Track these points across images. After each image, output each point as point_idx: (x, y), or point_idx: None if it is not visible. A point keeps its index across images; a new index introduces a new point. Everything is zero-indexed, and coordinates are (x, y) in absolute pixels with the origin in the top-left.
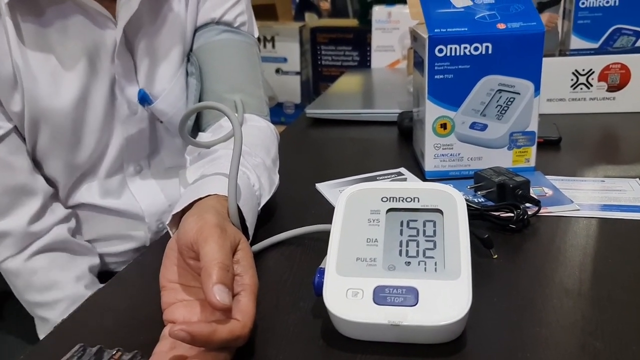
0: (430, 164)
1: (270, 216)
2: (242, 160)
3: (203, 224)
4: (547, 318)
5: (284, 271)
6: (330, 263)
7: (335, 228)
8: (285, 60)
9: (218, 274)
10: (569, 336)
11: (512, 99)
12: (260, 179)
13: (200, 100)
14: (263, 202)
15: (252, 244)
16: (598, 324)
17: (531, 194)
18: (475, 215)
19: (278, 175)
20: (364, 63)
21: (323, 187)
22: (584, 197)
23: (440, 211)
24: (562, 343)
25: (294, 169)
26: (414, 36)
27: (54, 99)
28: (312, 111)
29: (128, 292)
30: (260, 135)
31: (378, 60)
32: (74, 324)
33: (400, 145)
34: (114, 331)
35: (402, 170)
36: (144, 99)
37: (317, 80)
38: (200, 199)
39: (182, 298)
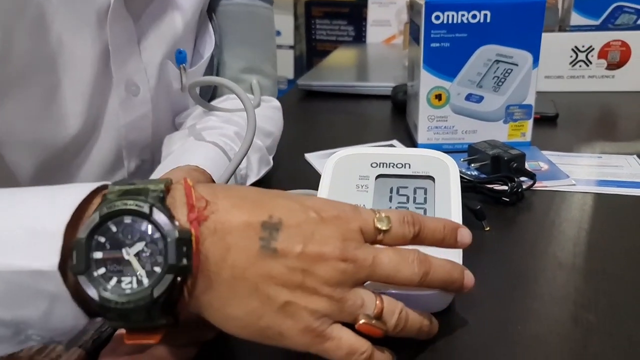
0: (423, 137)
1: (254, 185)
2: (234, 138)
3: None
4: (539, 291)
5: None
6: None
7: (322, 193)
8: (278, 33)
9: None
10: (561, 309)
11: (509, 70)
12: (250, 158)
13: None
14: (249, 182)
15: None
16: (591, 297)
17: (526, 168)
18: (468, 187)
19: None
20: (360, 38)
21: (312, 157)
22: (580, 172)
23: (431, 178)
24: (554, 316)
25: (284, 141)
26: (411, 4)
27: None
28: (304, 83)
29: None
30: (270, 119)
31: (374, 35)
32: None
33: (393, 119)
34: None
35: (394, 142)
36: (182, 60)
37: (311, 56)
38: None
39: None
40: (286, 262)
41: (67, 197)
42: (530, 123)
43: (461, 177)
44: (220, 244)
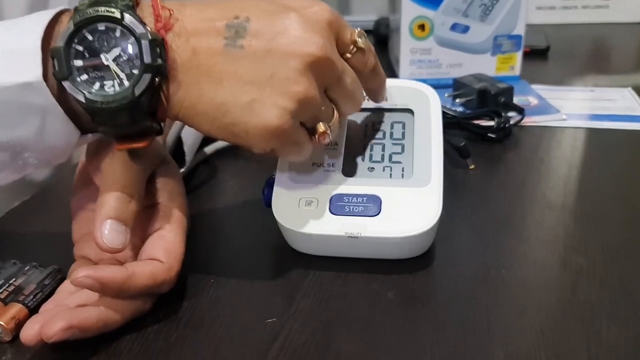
0: (405, 71)
1: None
2: None
3: None
4: (526, 233)
5: (230, 183)
6: (281, 169)
7: None
8: None
9: (112, 205)
10: (549, 252)
11: None
12: None
13: None
14: None
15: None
16: (581, 239)
17: (515, 103)
18: (452, 123)
19: None
20: None
21: None
22: (571, 106)
23: (410, 111)
24: (541, 259)
25: None
26: None
27: None
28: None
29: (53, 205)
30: None
31: None
32: None
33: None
34: (32, 246)
35: None
36: None
37: None
38: None
39: None
40: (253, 58)
41: (36, 18)
42: (519, 55)
43: (445, 112)
44: (185, 46)
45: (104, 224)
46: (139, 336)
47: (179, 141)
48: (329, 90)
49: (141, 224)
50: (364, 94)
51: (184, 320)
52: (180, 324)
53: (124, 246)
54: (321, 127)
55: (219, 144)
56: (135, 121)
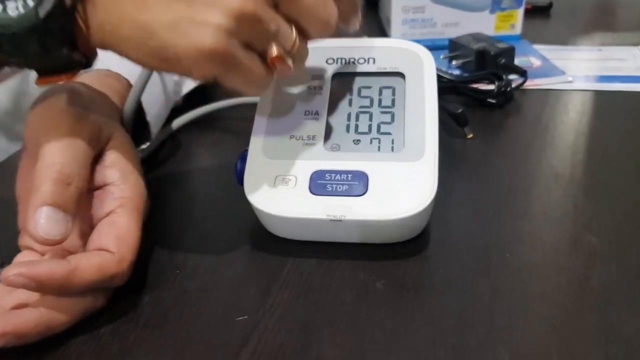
0: (397, 31)
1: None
2: None
3: (46, 111)
4: (531, 209)
5: (202, 158)
6: (255, 142)
7: (265, 97)
8: None
9: (48, 189)
10: (558, 230)
11: None
12: None
13: None
14: (187, 90)
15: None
16: (593, 215)
17: (516, 64)
18: (448, 88)
19: None
20: None
21: None
22: (577, 67)
23: (401, 75)
24: (549, 239)
25: None
26: None
27: None
28: None
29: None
30: None
31: None
32: None
33: (365, 14)
34: None
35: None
36: None
37: None
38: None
39: None
40: None
41: None
42: (520, 12)
43: (440, 75)
44: None
45: (38, 211)
46: (90, 338)
47: (140, 110)
48: (280, 4)
49: (90, 209)
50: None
51: (143, 319)
52: (139, 322)
53: (64, 237)
54: (273, 50)
55: (192, 114)
56: (49, 50)
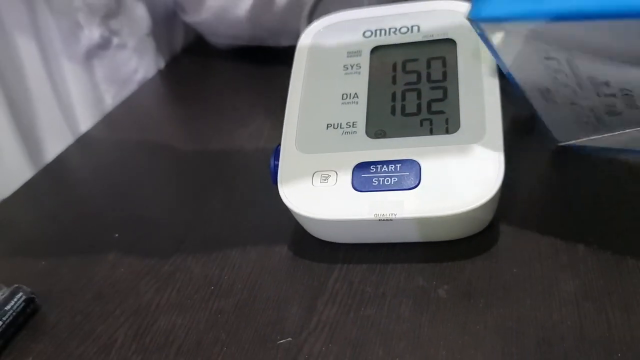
0: None
1: None
2: None
3: None
4: (634, 200)
5: (230, 155)
6: (287, 136)
7: (295, 83)
8: None
9: None
10: None
11: None
12: None
13: None
14: None
15: None
16: None
17: None
18: None
19: None
20: None
21: None
22: None
23: (452, 42)
24: None
25: None
26: None
27: None
28: None
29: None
30: None
31: None
32: None
33: None
34: None
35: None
36: None
37: None
38: None
39: None
40: None
41: None
42: None
43: None
44: None
45: None
46: None
47: None
48: None
49: None
50: None
51: (175, 346)
52: (171, 351)
53: None
54: None
55: None
56: None
